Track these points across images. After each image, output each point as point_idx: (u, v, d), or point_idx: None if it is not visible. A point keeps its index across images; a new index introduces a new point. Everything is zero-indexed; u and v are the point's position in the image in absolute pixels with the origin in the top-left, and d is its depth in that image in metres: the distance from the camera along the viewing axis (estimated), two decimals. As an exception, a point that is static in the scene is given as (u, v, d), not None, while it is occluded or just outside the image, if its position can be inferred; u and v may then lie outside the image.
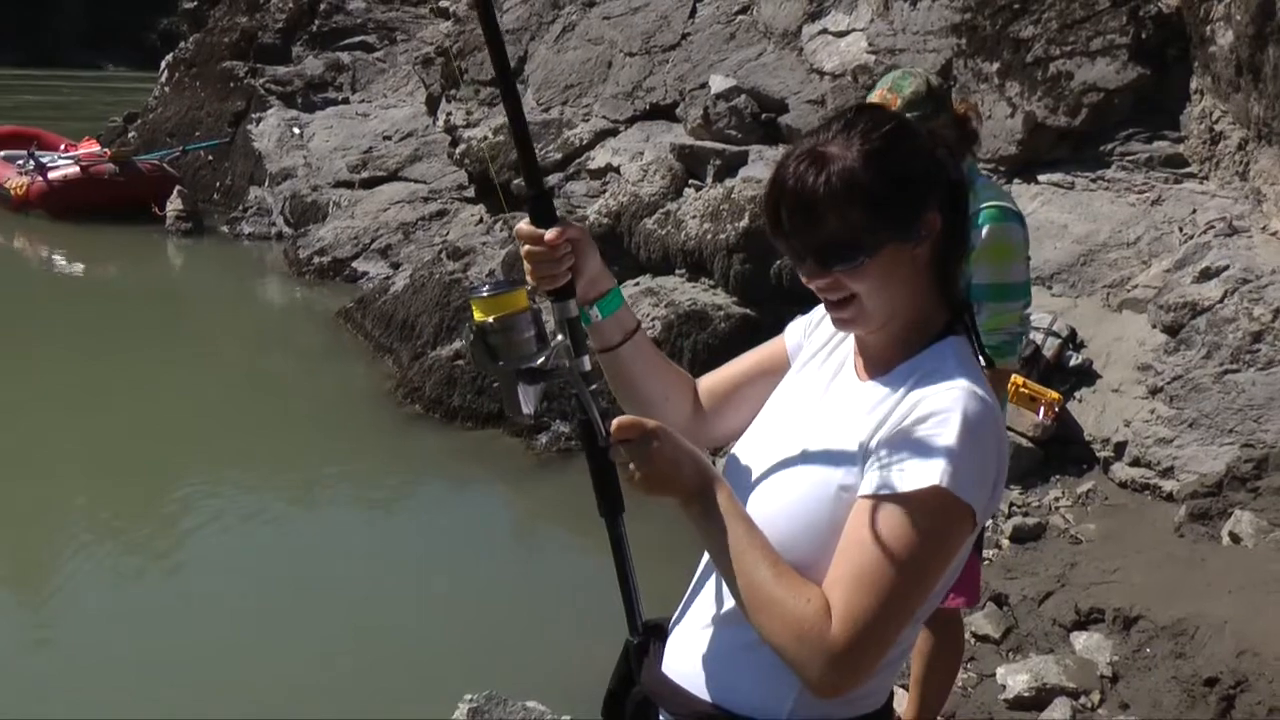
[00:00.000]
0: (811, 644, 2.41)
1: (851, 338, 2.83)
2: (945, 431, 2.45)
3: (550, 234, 2.75)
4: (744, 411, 3.04)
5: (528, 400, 2.72)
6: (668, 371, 3.09)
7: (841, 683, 2.44)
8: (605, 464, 2.71)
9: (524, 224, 2.80)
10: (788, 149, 2.70)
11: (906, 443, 2.47)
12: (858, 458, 2.55)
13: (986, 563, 7.86)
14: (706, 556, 2.83)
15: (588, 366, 2.75)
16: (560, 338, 2.72)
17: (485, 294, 2.67)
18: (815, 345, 2.95)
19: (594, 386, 2.72)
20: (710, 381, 3.14)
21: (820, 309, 2.95)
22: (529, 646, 8.02)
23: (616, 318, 2.95)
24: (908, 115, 5.11)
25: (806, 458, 2.66)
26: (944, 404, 2.48)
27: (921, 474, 2.42)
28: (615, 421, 2.55)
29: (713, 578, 2.78)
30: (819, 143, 2.60)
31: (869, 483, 2.49)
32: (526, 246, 2.77)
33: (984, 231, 5.29)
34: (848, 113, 2.69)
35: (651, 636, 2.88)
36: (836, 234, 2.53)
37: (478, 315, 2.66)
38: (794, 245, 2.62)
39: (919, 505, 2.42)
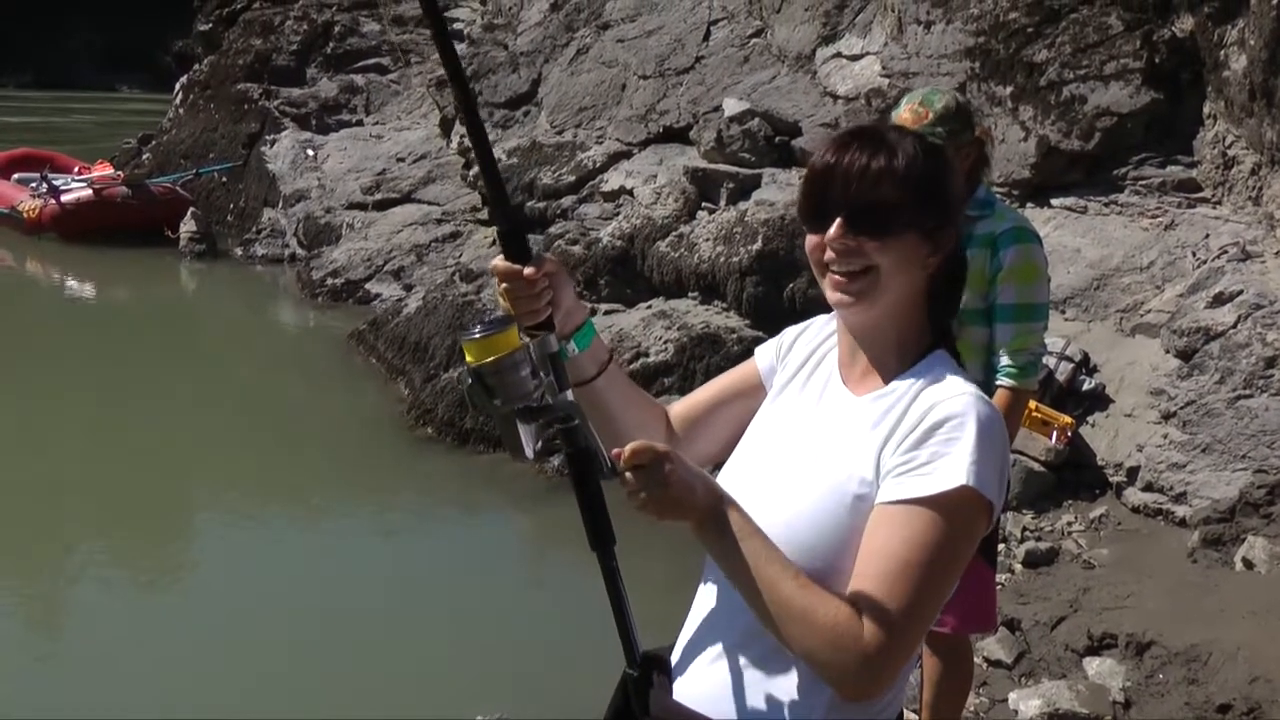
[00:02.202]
0: (847, 648, 2.44)
1: (833, 355, 2.89)
2: (964, 434, 2.52)
3: (528, 270, 2.74)
4: (717, 435, 3.08)
5: (528, 439, 2.71)
6: (641, 400, 3.13)
7: (876, 684, 2.48)
8: (596, 496, 2.70)
9: (499, 260, 2.78)
10: (840, 131, 2.78)
11: (926, 447, 2.54)
12: (871, 467, 2.60)
13: (999, 587, 7.85)
14: (705, 583, 2.88)
15: (570, 399, 2.73)
16: (542, 374, 2.69)
17: (477, 335, 2.64)
18: (792, 367, 2.99)
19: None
20: (682, 408, 3.17)
21: (789, 332, 3.08)
22: (540, 670, 8.02)
23: (591, 351, 2.96)
24: (938, 129, 5.16)
25: (813, 472, 2.69)
26: (957, 408, 2.56)
27: (948, 475, 2.50)
28: (629, 446, 2.53)
29: (718, 601, 2.80)
30: (875, 130, 2.71)
31: (891, 489, 2.54)
32: (504, 284, 2.76)
33: (1011, 252, 5.31)
34: (898, 127, 2.84)
35: (652, 667, 2.86)
36: (884, 203, 2.61)
37: (471, 358, 2.63)
38: (825, 212, 2.67)
39: (947, 505, 2.49)
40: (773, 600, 2.51)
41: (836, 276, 2.67)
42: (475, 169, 17.08)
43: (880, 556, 2.49)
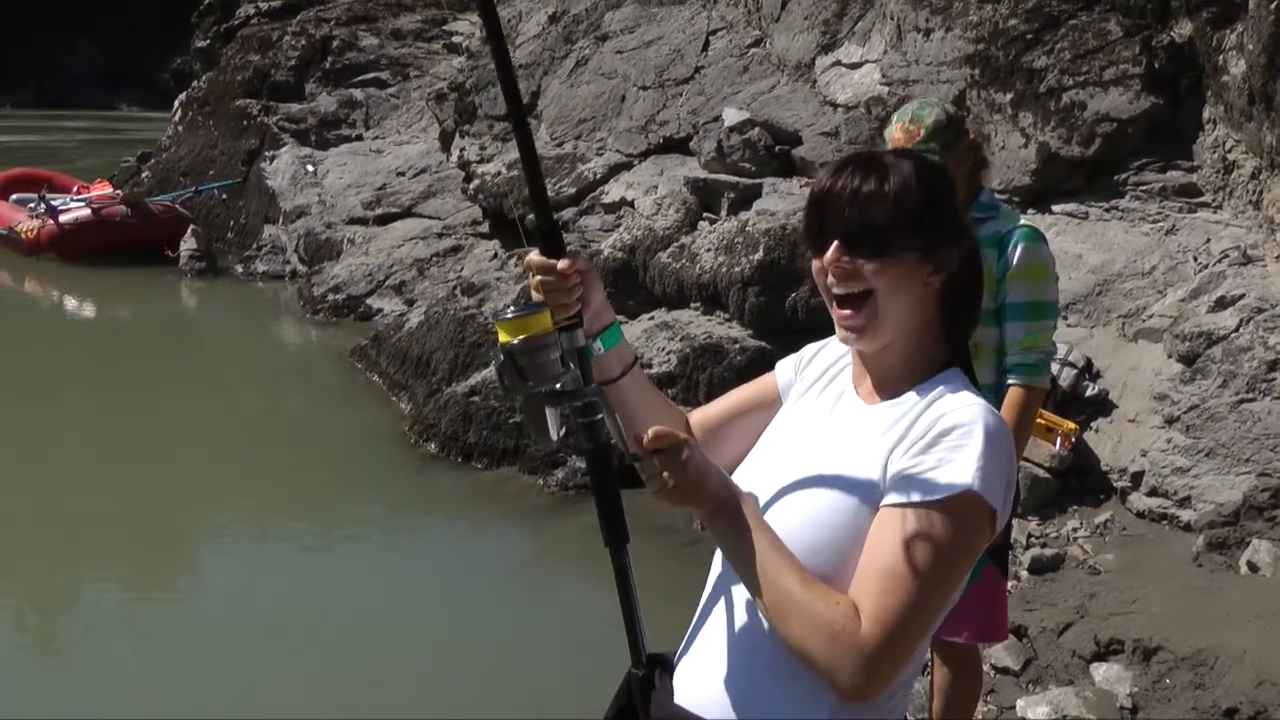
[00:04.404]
0: (844, 645, 2.47)
1: (848, 370, 2.93)
2: (971, 442, 2.56)
3: (563, 264, 2.83)
4: (734, 444, 3.12)
5: (553, 423, 2.75)
6: (661, 403, 3.20)
7: (873, 683, 2.50)
8: (613, 494, 2.76)
9: (535, 255, 2.87)
10: (840, 158, 2.82)
11: (934, 453, 2.58)
12: (878, 472, 2.63)
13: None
14: (711, 589, 2.91)
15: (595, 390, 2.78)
16: (571, 366, 2.74)
17: (510, 316, 2.70)
18: (809, 379, 3.03)
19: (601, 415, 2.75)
20: (702, 415, 3.24)
21: (810, 348, 3.13)
22: (542, 686, 8.00)
23: (617, 351, 3.05)
24: (932, 144, 5.16)
25: (822, 475, 2.72)
26: (966, 417, 2.60)
27: (953, 480, 2.53)
28: (650, 431, 2.60)
29: (724, 606, 2.82)
30: (874, 155, 2.77)
31: (896, 492, 2.58)
32: (539, 277, 2.84)
33: (1018, 250, 5.32)
34: (898, 150, 2.94)
35: (656, 668, 2.89)
36: (877, 224, 2.66)
37: (504, 337, 2.68)
38: (824, 235, 2.73)
39: (951, 509, 2.52)
40: (775, 593, 2.56)
41: (841, 311, 2.74)
42: (475, 182, 17.20)
43: (882, 557, 2.53)
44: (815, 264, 2.76)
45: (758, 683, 2.69)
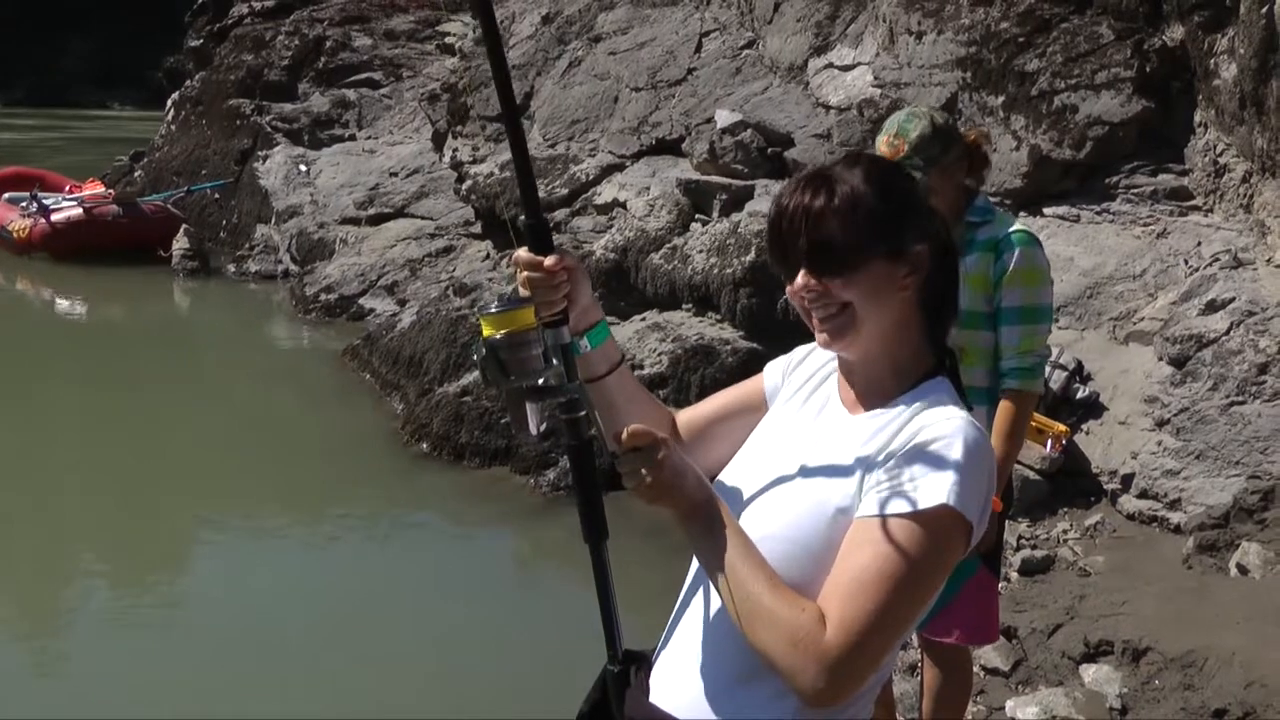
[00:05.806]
0: (806, 649, 2.47)
1: (834, 376, 2.93)
2: (950, 455, 2.55)
3: (550, 260, 2.82)
4: (720, 446, 3.12)
5: (534, 418, 2.75)
6: (648, 403, 3.19)
7: (833, 690, 2.49)
8: (593, 490, 2.75)
9: (522, 251, 2.86)
10: (792, 179, 2.82)
11: (913, 465, 2.57)
12: (856, 483, 2.64)
13: (995, 595, 7.86)
14: (687, 586, 2.93)
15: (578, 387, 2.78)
16: (555, 363, 2.75)
17: (494, 310, 2.69)
18: (796, 384, 3.03)
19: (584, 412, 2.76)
20: (688, 416, 3.24)
21: (800, 350, 3.12)
22: (532, 685, 7.99)
23: (603, 349, 3.04)
24: (916, 159, 5.16)
25: (800, 483, 2.73)
26: (947, 430, 2.59)
27: (930, 493, 2.52)
28: (628, 428, 2.60)
29: (699, 605, 2.84)
30: (823, 169, 2.75)
31: (871, 503, 2.58)
32: (525, 273, 2.83)
33: (1015, 254, 5.31)
34: (850, 153, 2.83)
35: (632, 665, 2.89)
36: (832, 242, 2.65)
37: (487, 331, 2.68)
38: (789, 259, 2.74)
39: (927, 522, 2.52)
40: (743, 597, 2.56)
41: (821, 321, 2.74)
42: (468, 183, 17.15)
43: (852, 566, 2.53)
44: (789, 287, 2.76)
45: (727, 683, 2.70)
